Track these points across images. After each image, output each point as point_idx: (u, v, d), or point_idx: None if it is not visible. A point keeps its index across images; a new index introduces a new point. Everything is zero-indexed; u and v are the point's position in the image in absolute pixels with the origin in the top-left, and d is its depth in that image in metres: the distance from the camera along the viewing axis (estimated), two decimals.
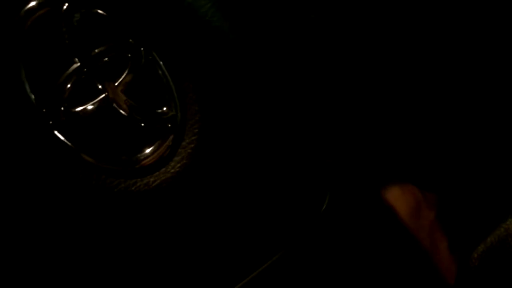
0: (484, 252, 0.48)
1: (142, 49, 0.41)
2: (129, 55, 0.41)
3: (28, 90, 0.39)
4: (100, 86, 0.40)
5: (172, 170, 0.42)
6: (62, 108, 0.40)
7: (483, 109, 0.52)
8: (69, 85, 0.41)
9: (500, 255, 0.47)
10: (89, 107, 0.41)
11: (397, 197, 0.50)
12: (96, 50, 0.41)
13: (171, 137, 0.42)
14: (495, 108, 0.52)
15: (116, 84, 0.41)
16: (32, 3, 0.40)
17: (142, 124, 0.42)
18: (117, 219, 0.42)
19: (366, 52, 0.47)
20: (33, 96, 0.39)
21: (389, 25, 0.47)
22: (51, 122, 0.40)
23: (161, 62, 0.42)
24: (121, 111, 0.41)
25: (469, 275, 0.48)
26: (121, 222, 0.42)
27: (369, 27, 0.46)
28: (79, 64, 0.40)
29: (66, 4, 0.40)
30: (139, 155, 0.42)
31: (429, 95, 0.50)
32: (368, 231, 0.50)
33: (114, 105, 0.41)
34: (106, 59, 0.41)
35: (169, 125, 0.42)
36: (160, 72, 0.42)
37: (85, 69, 0.40)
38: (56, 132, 0.40)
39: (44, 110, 0.40)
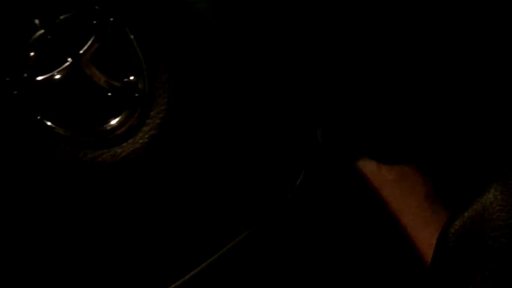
0: (461, 227, 0.47)
1: (108, 17, 0.40)
2: (95, 22, 0.40)
3: None
4: (65, 54, 0.39)
5: (141, 141, 0.41)
6: (25, 75, 0.39)
7: (466, 85, 0.51)
8: (33, 53, 0.40)
9: (477, 229, 0.46)
10: (54, 75, 0.40)
11: (375, 172, 0.49)
12: (61, 17, 0.40)
13: (139, 107, 0.41)
14: (478, 85, 0.51)
15: (81, 52, 0.40)
16: None
17: (109, 94, 0.41)
18: (83, 190, 0.41)
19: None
20: None
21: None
22: (15, 92, 0.40)
23: (128, 30, 0.41)
24: (86, 80, 0.40)
25: (446, 251, 0.48)
26: (86, 194, 0.41)
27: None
28: (43, 31, 0.39)
29: None
30: (106, 125, 0.41)
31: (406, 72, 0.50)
32: (343, 207, 0.49)
33: (80, 73, 0.40)
34: (72, 26, 0.40)
35: (137, 95, 0.41)
36: (127, 40, 0.41)
37: (49, 37, 0.39)
38: (19, 101, 0.39)
39: (7, 79, 0.39)
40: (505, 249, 0.45)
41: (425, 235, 0.50)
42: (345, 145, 0.50)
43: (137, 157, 0.41)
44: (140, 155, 0.41)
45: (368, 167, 0.50)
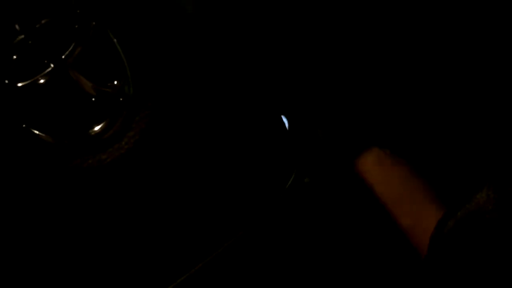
0: (454, 227, 0.47)
1: (90, 20, 0.39)
2: (76, 26, 0.39)
3: None
4: (47, 59, 0.39)
5: (126, 146, 0.41)
6: (7, 82, 0.38)
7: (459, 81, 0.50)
8: (14, 58, 0.39)
9: (470, 229, 0.46)
10: (37, 81, 0.39)
11: (371, 164, 0.48)
12: (42, 21, 0.39)
13: (124, 112, 0.40)
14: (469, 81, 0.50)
15: (63, 57, 0.39)
16: None
17: (93, 99, 0.40)
18: (70, 196, 0.40)
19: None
20: None
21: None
22: None
23: (110, 33, 0.40)
24: (70, 85, 0.39)
25: (439, 250, 0.47)
26: (73, 199, 0.41)
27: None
28: (23, 36, 0.39)
29: None
30: (91, 131, 0.40)
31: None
32: (343, 204, 0.49)
33: (63, 79, 0.39)
34: (53, 31, 0.39)
35: (121, 99, 0.40)
36: (110, 44, 0.40)
37: (30, 42, 0.39)
38: (2, 109, 0.39)
39: None
40: (499, 250, 0.45)
41: (419, 229, 0.50)
42: (345, 141, 0.49)
43: (123, 162, 0.40)
44: (125, 161, 0.40)
45: (366, 164, 0.49)
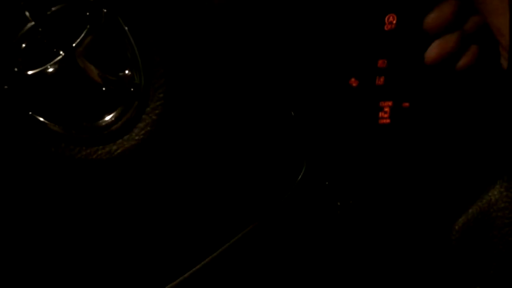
0: (465, 224, 0.46)
1: (102, 8, 0.39)
2: (88, 14, 0.38)
3: None
4: (57, 47, 0.38)
5: (136, 138, 0.40)
6: (16, 70, 0.37)
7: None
8: (23, 46, 0.38)
9: (481, 226, 0.45)
10: (46, 69, 0.38)
11: None
12: (53, 8, 0.38)
13: (135, 102, 0.40)
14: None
15: (74, 45, 0.38)
16: None
17: (103, 88, 0.39)
18: (77, 188, 0.39)
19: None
20: None
21: None
22: (5, 87, 0.38)
23: (122, 21, 0.39)
24: (80, 74, 0.38)
25: (449, 247, 0.47)
26: (81, 191, 0.40)
27: None
28: (33, 23, 0.38)
29: None
30: (100, 121, 0.40)
31: None
32: (344, 202, 0.48)
33: (73, 67, 0.38)
34: (64, 18, 0.38)
35: (132, 89, 0.39)
36: (122, 32, 0.39)
37: (40, 29, 0.38)
38: (10, 96, 0.38)
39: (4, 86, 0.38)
40: (510, 247, 0.44)
41: None
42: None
43: (132, 154, 0.40)
44: (135, 152, 0.40)
45: None
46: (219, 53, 0.42)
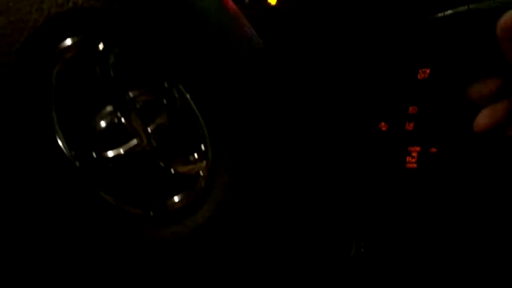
0: None
1: (177, 95, 0.40)
2: (164, 100, 0.40)
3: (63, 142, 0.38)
4: (133, 132, 0.39)
5: (201, 220, 0.41)
6: (94, 155, 0.39)
7: None
8: (100, 128, 0.39)
9: None
10: (121, 151, 0.39)
11: None
12: (131, 94, 0.39)
13: (201, 185, 0.41)
14: None
15: (149, 129, 0.39)
16: (67, 42, 0.38)
17: (172, 171, 0.40)
18: (142, 267, 0.41)
19: None
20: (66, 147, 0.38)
21: None
22: (78, 164, 0.39)
23: (196, 109, 0.40)
24: (151, 157, 0.40)
25: None
26: (144, 270, 0.41)
27: None
28: (112, 107, 0.39)
29: (102, 44, 0.39)
30: (168, 202, 0.41)
31: None
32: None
33: (145, 151, 0.39)
34: (140, 102, 0.40)
35: (200, 173, 0.41)
36: (194, 119, 0.40)
37: (119, 113, 0.39)
38: (82, 175, 0.39)
39: (77, 164, 0.39)
40: None
41: None
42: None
43: (197, 236, 0.41)
44: (200, 234, 0.41)
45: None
46: (287, 138, 0.43)
